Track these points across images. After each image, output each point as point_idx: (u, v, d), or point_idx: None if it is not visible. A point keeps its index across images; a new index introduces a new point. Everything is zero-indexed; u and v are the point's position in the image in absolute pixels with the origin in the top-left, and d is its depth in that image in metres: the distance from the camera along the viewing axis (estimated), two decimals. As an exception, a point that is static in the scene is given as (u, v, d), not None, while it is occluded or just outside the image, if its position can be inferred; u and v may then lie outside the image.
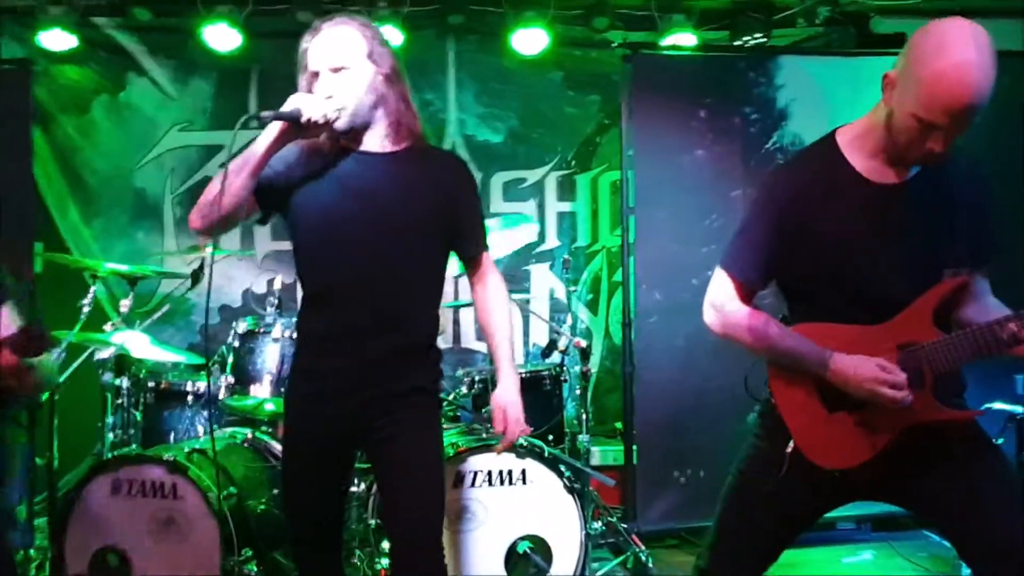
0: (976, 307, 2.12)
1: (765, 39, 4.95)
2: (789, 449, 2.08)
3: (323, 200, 2.31)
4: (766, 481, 2.11)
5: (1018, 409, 3.33)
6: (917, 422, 2.00)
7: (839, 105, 4.47)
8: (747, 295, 2.16)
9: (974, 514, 1.99)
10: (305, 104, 2.19)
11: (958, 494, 2.01)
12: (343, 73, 2.28)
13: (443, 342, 5.11)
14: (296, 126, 2.20)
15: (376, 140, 2.35)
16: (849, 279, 2.06)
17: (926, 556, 4.15)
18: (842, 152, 2.07)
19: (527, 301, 5.23)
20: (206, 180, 5.18)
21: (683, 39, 4.94)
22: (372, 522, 3.39)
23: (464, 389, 4.03)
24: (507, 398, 2.45)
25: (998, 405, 3.36)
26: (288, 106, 2.20)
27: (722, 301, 2.16)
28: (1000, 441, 3.27)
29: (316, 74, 2.30)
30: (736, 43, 4.95)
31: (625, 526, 4.21)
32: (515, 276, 5.42)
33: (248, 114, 2.17)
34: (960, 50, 1.81)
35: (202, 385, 3.88)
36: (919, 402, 1.97)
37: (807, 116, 4.52)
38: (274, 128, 2.22)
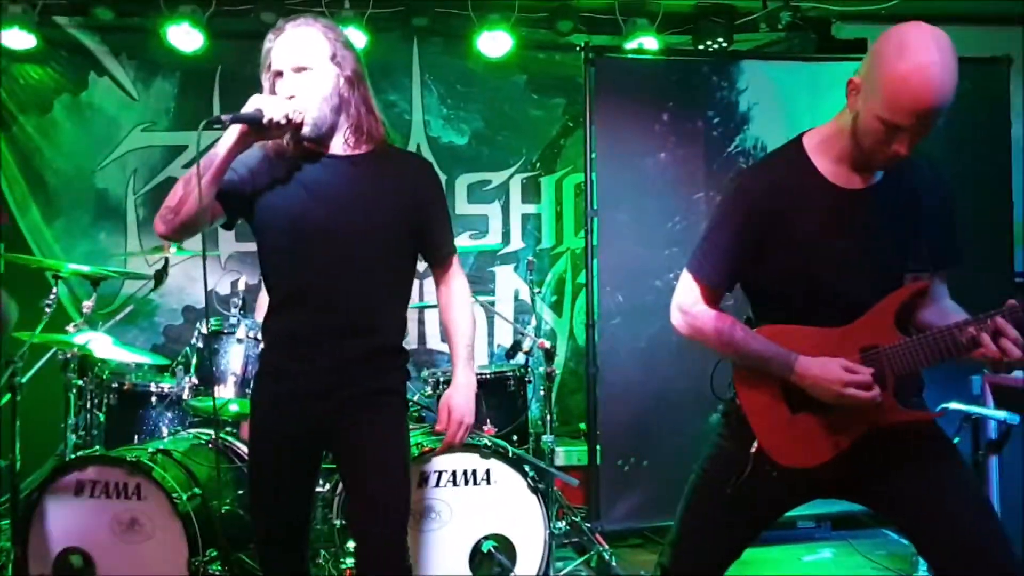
0: (934, 309, 2.16)
1: (727, 44, 5.02)
2: (753, 449, 2.11)
3: (287, 203, 2.31)
4: (729, 480, 2.14)
5: (974, 409, 3.40)
6: (879, 423, 2.04)
7: (800, 110, 4.54)
8: (713, 298, 2.18)
9: (935, 515, 2.02)
10: (266, 105, 2.19)
11: (919, 495, 2.04)
12: (306, 74, 2.27)
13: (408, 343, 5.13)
14: (257, 127, 2.18)
15: (340, 143, 2.35)
16: (814, 282, 2.08)
17: (884, 554, 4.22)
18: (809, 157, 2.10)
19: (492, 302, 5.26)
20: (169, 180, 5.19)
21: (646, 43, 5.00)
22: (337, 522, 3.40)
23: (428, 390, 4.04)
24: (455, 399, 2.45)
25: (954, 405, 3.42)
26: (249, 107, 2.18)
27: (689, 304, 2.19)
28: (956, 440, 3.34)
29: (279, 74, 2.29)
30: (699, 47, 5.02)
31: (589, 525, 4.25)
32: (480, 277, 5.44)
33: (209, 117, 2.14)
34: (922, 52, 1.86)
35: (166, 386, 3.86)
36: (882, 404, 2.00)
37: (769, 120, 4.58)
38: (235, 130, 2.20)
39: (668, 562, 2.30)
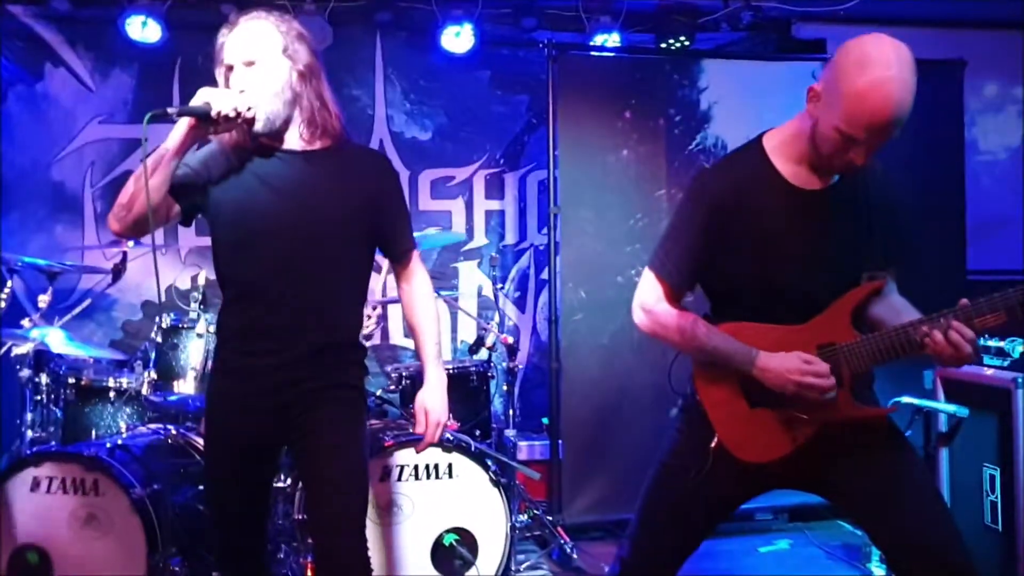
0: (884, 304, 2.20)
1: (689, 42, 5.06)
2: (713, 444, 2.14)
3: (241, 197, 2.29)
4: (688, 473, 2.17)
5: (925, 403, 3.48)
6: (836, 419, 2.08)
7: (761, 108, 4.57)
8: (675, 296, 2.21)
9: (888, 508, 2.07)
10: (215, 98, 2.16)
11: (873, 488, 2.09)
12: (255, 67, 2.25)
13: (372, 339, 5.13)
14: (206, 120, 2.16)
15: (294, 138, 2.33)
16: (773, 280, 2.12)
17: (839, 544, 4.29)
18: (769, 157, 2.14)
19: (455, 298, 5.26)
20: (127, 174, 5.10)
21: (609, 40, 5.03)
22: (298, 517, 3.39)
23: (392, 385, 4.04)
24: (430, 400, 2.46)
25: (907, 399, 3.50)
26: (197, 100, 2.16)
27: (651, 302, 2.21)
28: (908, 433, 3.42)
29: (230, 68, 2.27)
30: (661, 45, 5.06)
31: (550, 519, 4.28)
32: (443, 273, 5.44)
33: (154, 110, 2.12)
34: (881, 67, 1.89)
35: (124, 381, 3.82)
36: (838, 400, 2.05)
37: (729, 119, 4.64)
38: (184, 124, 2.17)
39: (627, 554, 2.33)
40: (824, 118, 1.98)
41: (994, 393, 3.24)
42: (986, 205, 5.42)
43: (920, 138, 4.69)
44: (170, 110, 2.13)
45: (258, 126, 2.24)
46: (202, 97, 2.16)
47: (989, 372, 3.33)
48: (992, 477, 3.28)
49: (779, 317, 2.12)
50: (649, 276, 2.23)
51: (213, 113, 2.15)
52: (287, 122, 2.30)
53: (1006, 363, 3.29)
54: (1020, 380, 3.13)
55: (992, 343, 3.39)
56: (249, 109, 2.20)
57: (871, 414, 2.13)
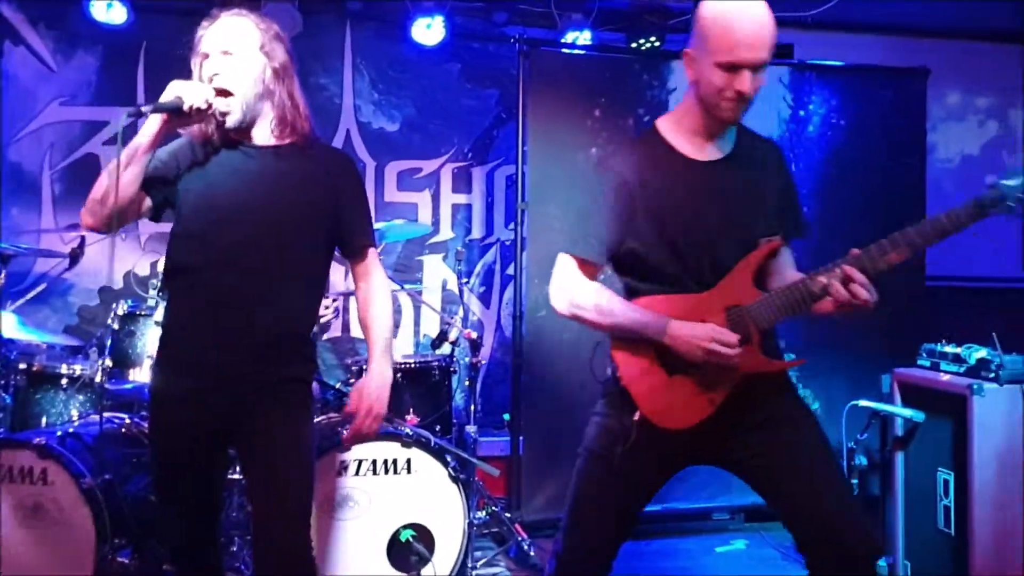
0: (783, 278, 2.29)
1: (660, 43, 5.07)
2: (636, 417, 2.19)
3: (204, 190, 2.30)
4: (614, 454, 2.22)
5: (882, 407, 3.52)
6: (749, 374, 2.16)
7: (727, 110, 4.61)
8: (590, 275, 2.28)
9: (786, 481, 2.18)
10: (185, 91, 2.19)
11: (774, 462, 2.20)
12: (231, 58, 2.28)
13: (329, 331, 5.10)
14: (178, 114, 2.19)
15: (262, 133, 2.35)
16: (680, 249, 2.20)
17: (794, 545, 4.33)
18: (663, 136, 2.27)
19: (419, 291, 5.23)
20: (89, 157, 5.05)
21: (581, 38, 5.03)
22: (251, 509, 3.34)
23: (351, 377, 4.01)
24: (368, 387, 2.39)
25: (864, 403, 3.54)
26: (168, 95, 2.18)
27: (567, 283, 2.26)
28: (864, 436, 3.46)
29: (206, 56, 2.29)
30: (632, 45, 5.06)
31: (509, 515, 4.27)
32: (408, 266, 5.41)
33: (132, 93, 2.14)
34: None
35: (78, 368, 3.75)
36: (748, 356, 2.14)
37: (696, 120, 4.65)
38: (156, 119, 2.20)
39: (561, 549, 2.34)
40: (703, 67, 2.13)
41: (950, 399, 3.28)
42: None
43: (883, 143, 4.75)
44: (144, 108, 2.17)
45: (231, 119, 2.27)
46: (173, 91, 2.19)
47: (945, 378, 3.37)
48: (946, 482, 3.32)
49: (688, 285, 2.21)
50: (563, 258, 2.28)
51: (185, 107, 2.17)
52: (257, 118, 2.33)
53: (962, 369, 3.34)
54: (975, 386, 3.17)
55: (949, 349, 3.44)
56: (227, 106, 2.24)
57: (780, 367, 2.25)
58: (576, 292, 2.25)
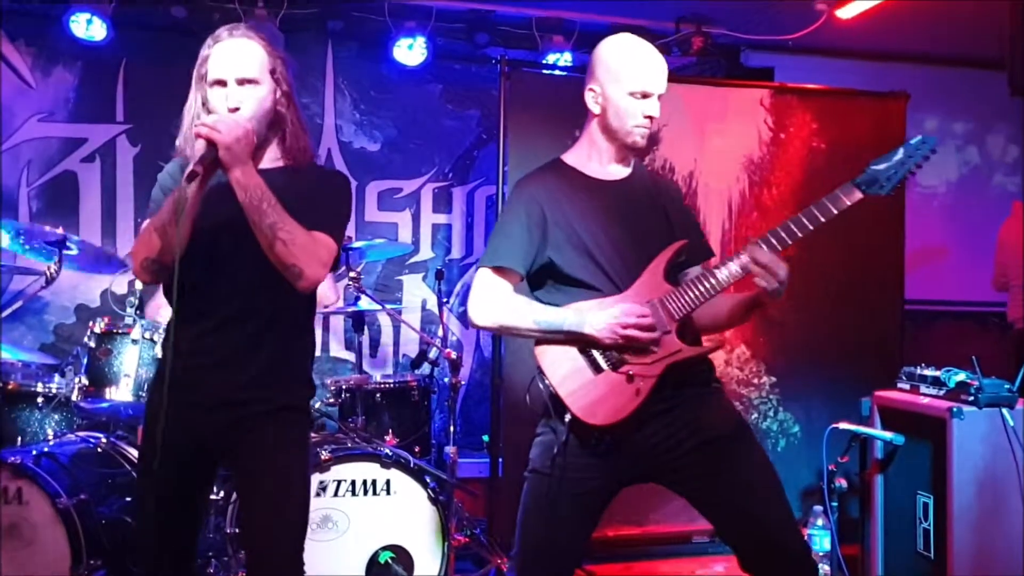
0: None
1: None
2: (567, 417, 2.24)
3: (208, 213, 2.23)
4: (552, 464, 2.27)
5: (862, 430, 3.52)
6: (669, 362, 2.25)
7: (709, 133, 4.64)
8: (506, 286, 2.36)
9: (726, 496, 2.27)
10: (218, 137, 2.10)
11: (714, 479, 2.28)
12: (250, 87, 2.24)
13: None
14: (216, 161, 2.12)
15: (268, 157, 2.33)
16: (592, 258, 2.33)
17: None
18: (568, 164, 2.46)
19: (399, 311, 5.22)
20: (66, 174, 5.01)
21: (562, 60, 5.06)
22: (229, 531, 3.31)
23: (331, 398, 3.98)
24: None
25: (844, 425, 3.55)
26: (201, 147, 2.10)
27: (487, 295, 2.35)
28: (844, 459, 3.48)
29: (220, 83, 2.24)
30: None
31: (488, 538, 4.24)
32: (388, 286, 5.41)
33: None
34: (626, 37, 2.45)
35: (54, 387, 3.70)
36: (667, 345, 2.26)
37: (677, 142, 4.67)
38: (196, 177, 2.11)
39: (516, 573, 2.37)
40: (613, 98, 2.36)
41: (929, 422, 3.29)
42: (924, 237, 5.55)
43: (862, 166, 4.77)
44: (197, 168, 2.08)
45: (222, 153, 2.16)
46: (204, 138, 2.10)
47: (925, 401, 3.38)
48: (925, 505, 3.33)
49: (603, 292, 2.31)
50: (481, 272, 2.38)
51: (221, 152, 2.11)
52: (264, 142, 2.31)
53: (942, 392, 3.35)
54: (955, 410, 3.18)
55: (929, 372, 3.45)
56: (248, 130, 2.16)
57: (697, 352, 2.32)
58: (494, 302, 2.34)
